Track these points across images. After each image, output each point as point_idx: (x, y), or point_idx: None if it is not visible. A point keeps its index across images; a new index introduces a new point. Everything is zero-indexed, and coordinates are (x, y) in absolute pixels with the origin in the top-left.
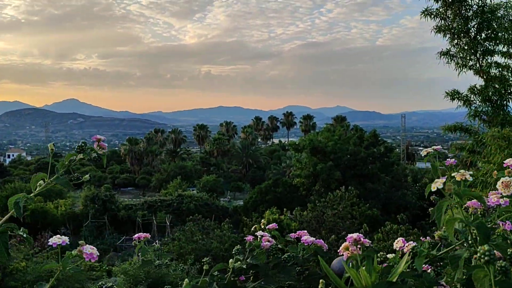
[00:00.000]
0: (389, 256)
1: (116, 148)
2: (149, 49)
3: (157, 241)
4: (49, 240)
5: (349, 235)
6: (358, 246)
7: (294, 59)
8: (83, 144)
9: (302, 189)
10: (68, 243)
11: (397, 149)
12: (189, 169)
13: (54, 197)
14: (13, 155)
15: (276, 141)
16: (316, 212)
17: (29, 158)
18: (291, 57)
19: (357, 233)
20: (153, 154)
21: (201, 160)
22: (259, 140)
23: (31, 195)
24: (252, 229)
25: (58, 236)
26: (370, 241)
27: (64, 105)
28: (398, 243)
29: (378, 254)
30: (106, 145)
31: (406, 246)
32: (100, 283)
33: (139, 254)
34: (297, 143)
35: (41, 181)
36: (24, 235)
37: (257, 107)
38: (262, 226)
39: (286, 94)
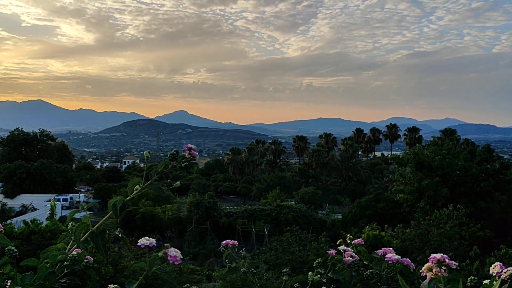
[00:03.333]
0: (485, 282)
1: (220, 158)
2: (253, 62)
3: (243, 249)
4: (138, 241)
5: (432, 255)
6: (443, 267)
7: (399, 69)
8: (175, 153)
9: (406, 205)
10: (155, 245)
11: None
12: (288, 180)
13: (163, 202)
14: (128, 162)
15: (378, 154)
16: (420, 230)
17: (142, 165)
18: (397, 67)
19: (441, 254)
20: (254, 164)
21: (300, 171)
22: (360, 152)
23: (127, 198)
24: (337, 243)
25: (147, 238)
26: (456, 264)
27: (174, 116)
28: (495, 268)
29: (469, 278)
30: (197, 154)
31: (505, 272)
32: (190, 287)
33: (226, 260)
34: (400, 156)
35: (137, 186)
36: (120, 235)
37: (358, 119)
38: (348, 241)
39: (390, 106)
